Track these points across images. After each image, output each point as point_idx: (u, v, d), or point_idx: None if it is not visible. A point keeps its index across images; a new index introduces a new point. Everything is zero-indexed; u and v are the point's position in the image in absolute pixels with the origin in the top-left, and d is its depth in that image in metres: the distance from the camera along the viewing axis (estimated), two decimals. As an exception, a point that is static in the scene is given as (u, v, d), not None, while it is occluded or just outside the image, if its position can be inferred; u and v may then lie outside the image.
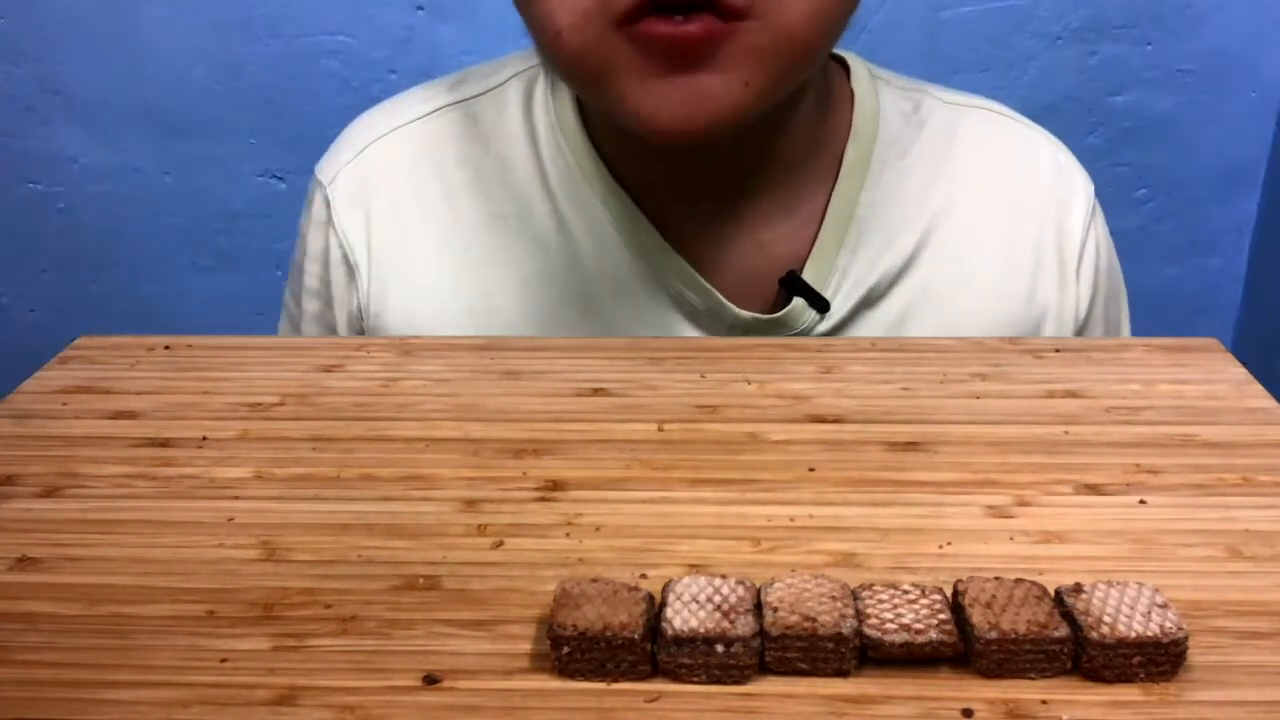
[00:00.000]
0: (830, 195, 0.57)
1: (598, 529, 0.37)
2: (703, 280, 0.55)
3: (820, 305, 0.55)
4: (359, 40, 1.25)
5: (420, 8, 1.24)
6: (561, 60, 0.48)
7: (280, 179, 1.33)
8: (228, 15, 1.24)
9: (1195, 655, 0.30)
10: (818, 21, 0.46)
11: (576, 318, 0.56)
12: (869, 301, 0.57)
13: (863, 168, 0.57)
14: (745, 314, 0.56)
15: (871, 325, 0.57)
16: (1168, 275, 1.40)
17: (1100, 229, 0.62)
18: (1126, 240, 1.28)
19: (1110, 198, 0.63)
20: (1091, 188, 0.62)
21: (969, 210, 0.59)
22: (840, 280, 0.56)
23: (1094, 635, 0.29)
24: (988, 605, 0.30)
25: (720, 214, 0.56)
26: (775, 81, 0.47)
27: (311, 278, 0.61)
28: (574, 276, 0.57)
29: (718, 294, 0.55)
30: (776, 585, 0.31)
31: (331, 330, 0.61)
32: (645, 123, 0.47)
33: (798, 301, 0.55)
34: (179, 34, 1.25)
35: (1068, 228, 0.60)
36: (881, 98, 0.59)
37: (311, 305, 0.62)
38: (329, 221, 0.60)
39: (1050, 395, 0.45)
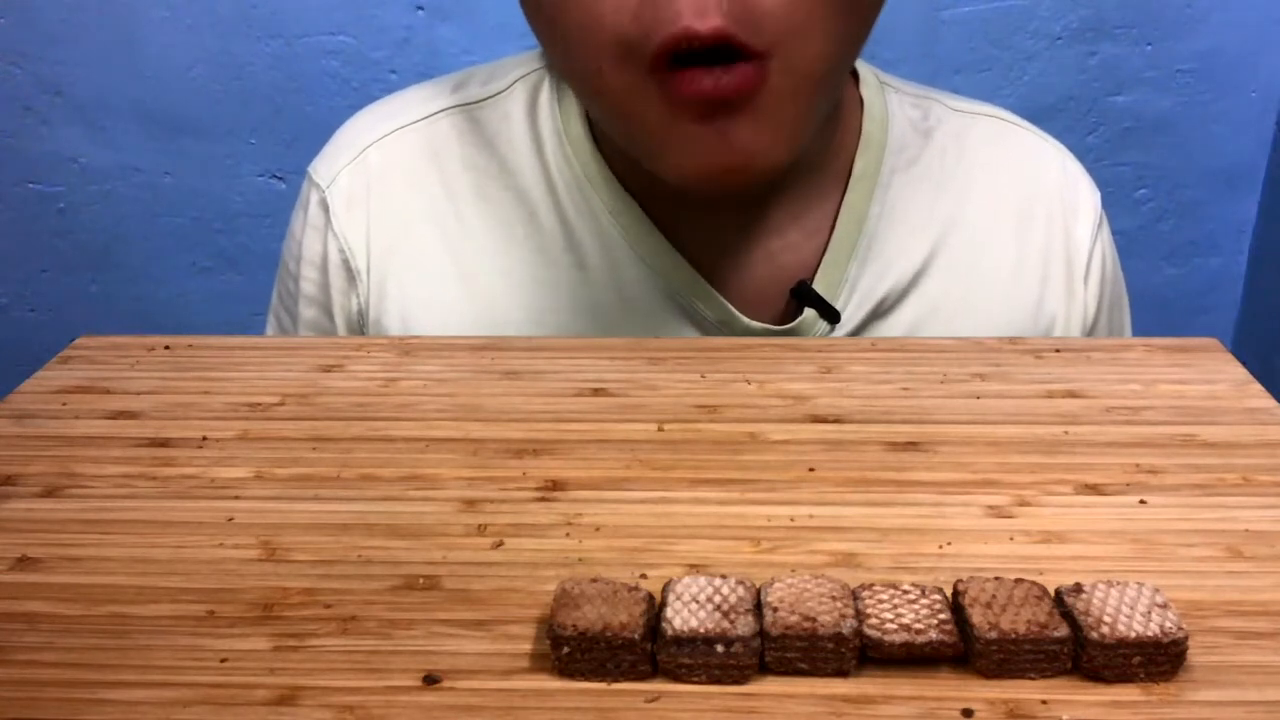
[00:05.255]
0: (840, 204, 0.56)
1: (598, 529, 0.37)
2: (713, 291, 0.55)
3: (831, 316, 0.55)
4: (359, 40, 1.26)
5: (420, 8, 1.24)
6: (601, 99, 0.48)
7: (280, 179, 1.33)
8: (228, 15, 1.24)
9: (1195, 655, 0.30)
10: (835, 58, 0.47)
11: (583, 328, 0.56)
12: (879, 313, 0.56)
13: (872, 177, 0.57)
14: (756, 325, 0.55)
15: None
16: (1168, 275, 1.40)
17: (1106, 238, 0.62)
18: (1126, 240, 1.29)
19: (1110, 198, 0.63)
20: (1098, 197, 0.61)
21: (978, 221, 0.58)
22: (850, 291, 0.56)
23: (1094, 635, 0.29)
24: (988, 605, 0.30)
25: (730, 223, 0.55)
26: (802, 126, 0.48)
27: (308, 283, 0.60)
28: (581, 286, 0.56)
29: (728, 305, 0.55)
30: (776, 585, 0.31)
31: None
32: (681, 176, 0.47)
33: (808, 312, 0.55)
34: (179, 34, 1.25)
35: (1075, 237, 0.60)
36: (890, 105, 0.59)
37: (308, 312, 0.60)
38: (327, 225, 0.58)
39: (1050, 395, 0.45)
